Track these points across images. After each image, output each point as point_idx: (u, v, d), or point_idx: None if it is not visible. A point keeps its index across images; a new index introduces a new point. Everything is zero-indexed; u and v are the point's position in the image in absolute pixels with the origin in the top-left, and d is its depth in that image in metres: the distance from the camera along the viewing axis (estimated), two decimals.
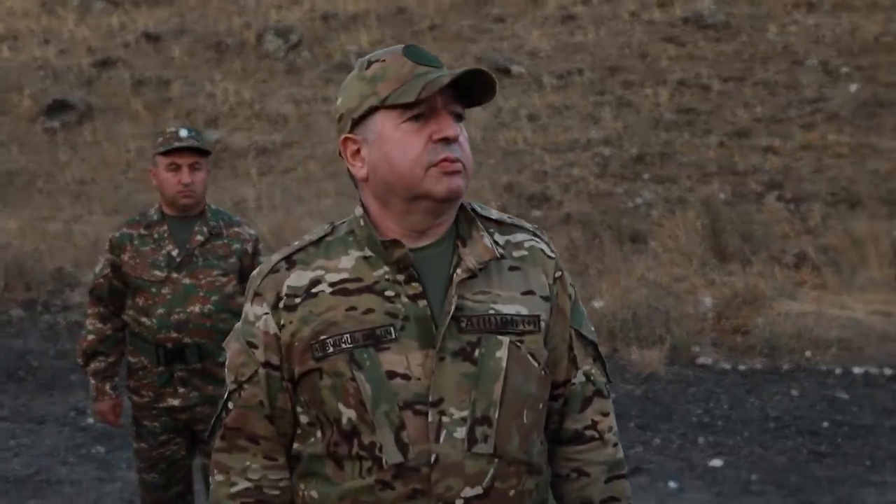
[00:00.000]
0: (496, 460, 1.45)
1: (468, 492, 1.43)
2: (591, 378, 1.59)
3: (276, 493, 1.53)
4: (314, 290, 1.47)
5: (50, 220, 9.99)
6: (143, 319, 3.15)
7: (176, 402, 3.18)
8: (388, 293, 1.46)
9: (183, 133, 3.18)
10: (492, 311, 1.47)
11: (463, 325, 1.45)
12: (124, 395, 3.31)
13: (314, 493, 1.49)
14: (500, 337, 1.46)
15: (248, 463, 1.52)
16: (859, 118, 10.68)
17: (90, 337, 3.24)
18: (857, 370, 6.59)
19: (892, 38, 11.85)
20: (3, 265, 7.95)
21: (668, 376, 6.39)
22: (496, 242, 1.53)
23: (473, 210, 1.55)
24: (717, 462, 5.01)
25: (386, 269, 1.47)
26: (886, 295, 7.73)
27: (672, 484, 4.74)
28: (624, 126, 10.80)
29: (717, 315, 7.23)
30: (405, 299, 1.45)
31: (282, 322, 1.48)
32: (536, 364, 1.50)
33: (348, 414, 1.44)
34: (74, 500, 4.41)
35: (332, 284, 1.47)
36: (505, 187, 10.06)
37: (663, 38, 12.38)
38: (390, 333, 1.43)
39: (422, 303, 1.45)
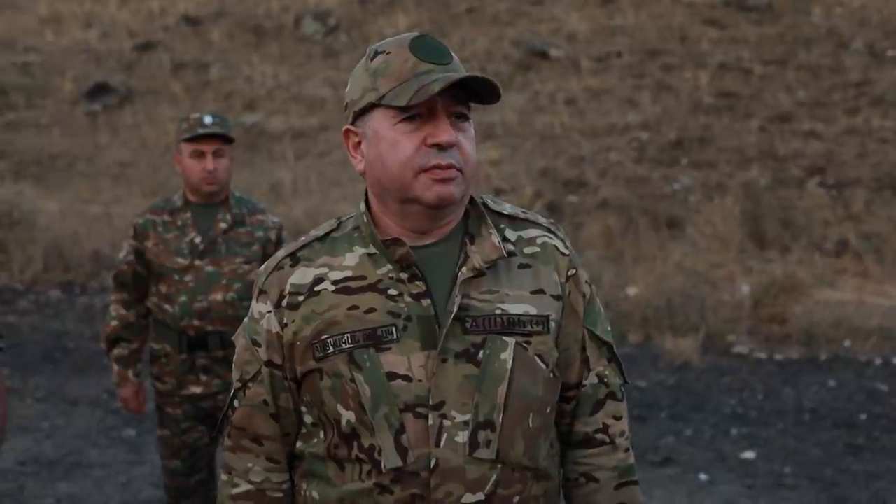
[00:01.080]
0: (499, 466, 1.41)
1: (469, 498, 1.39)
2: (605, 380, 1.53)
3: (279, 495, 1.51)
4: (317, 289, 1.44)
5: (90, 202, 10.10)
6: (166, 306, 3.16)
7: (198, 390, 3.18)
8: (392, 292, 1.42)
9: (207, 119, 3.17)
10: (498, 311, 1.42)
11: (468, 325, 1.41)
12: (147, 381, 3.33)
13: (315, 494, 1.47)
14: (505, 338, 1.42)
15: (250, 465, 1.50)
16: None
17: (113, 323, 3.25)
18: None
19: None
20: (42, 247, 8.04)
21: (701, 365, 6.31)
22: (507, 239, 1.48)
23: (485, 205, 1.50)
24: (749, 454, 4.94)
25: (389, 266, 1.43)
26: None
27: (702, 476, 4.68)
28: (662, 110, 10.66)
29: (754, 303, 7.12)
30: (408, 298, 1.41)
31: (284, 321, 1.45)
32: (544, 366, 1.45)
33: (347, 416, 1.41)
34: (104, 482, 4.45)
35: (334, 282, 1.44)
36: (541, 172, 9.99)
37: (704, 21, 12.18)
38: (392, 333, 1.40)
39: (425, 302, 1.41)
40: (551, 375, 1.46)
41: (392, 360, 1.40)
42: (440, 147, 1.40)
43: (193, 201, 3.22)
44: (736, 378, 6.13)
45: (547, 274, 1.47)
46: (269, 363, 1.47)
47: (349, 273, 1.44)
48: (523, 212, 1.53)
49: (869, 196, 9.18)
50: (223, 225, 3.20)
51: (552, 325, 1.45)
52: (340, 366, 1.41)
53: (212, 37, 13.57)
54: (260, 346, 1.48)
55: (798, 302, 7.04)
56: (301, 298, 1.44)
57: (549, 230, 1.51)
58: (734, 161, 9.92)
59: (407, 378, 1.39)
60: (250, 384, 1.49)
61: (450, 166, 1.40)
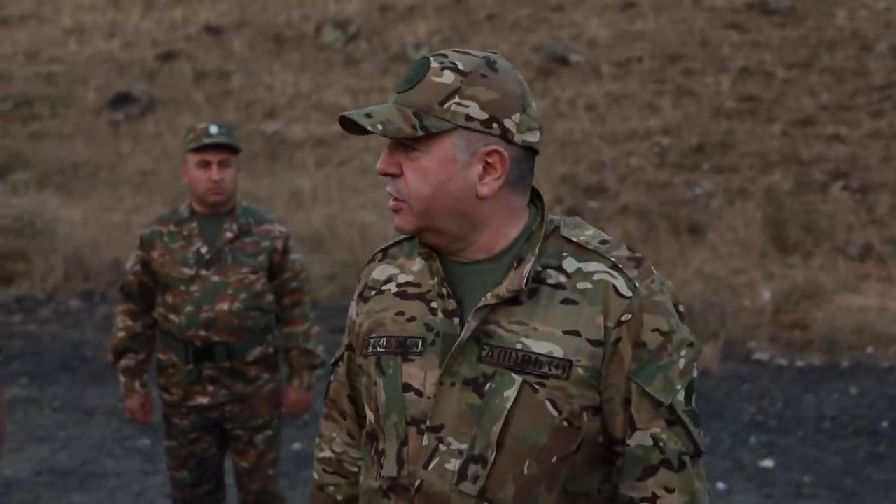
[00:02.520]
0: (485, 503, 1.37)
1: None
2: (660, 444, 1.37)
3: (355, 469, 1.60)
4: (384, 287, 1.48)
5: (112, 211, 10.17)
6: (172, 317, 3.16)
7: (205, 401, 3.18)
8: (434, 305, 1.41)
9: (213, 129, 3.17)
10: (519, 346, 1.35)
11: (484, 354, 1.36)
12: (154, 392, 3.33)
13: (361, 479, 1.53)
14: (514, 375, 1.35)
15: (335, 435, 1.61)
16: None
17: (120, 334, 3.25)
18: None
19: None
20: (63, 256, 8.10)
21: (721, 372, 6.24)
22: (562, 269, 1.38)
23: (557, 228, 1.42)
24: (768, 463, 4.87)
25: (437, 279, 1.41)
26: None
27: (720, 485, 4.62)
28: (684, 115, 10.59)
29: (775, 309, 7.04)
30: (441, 314, 1.40)
31: (358, 312, 1.52)
32: (556, 413, 1.35)
33: (370, 416, 1.46)
34: (118, 492, 4.46)
35: (398, 285, 1.46)
36: (561, 178, 9.95)
37: (726, 25, 12.10)
38: (418, 346, 1.40)
39: (455, 320, 1.39)
40: (565, 424, 1.36)
41: (411, 372, 1.40)
42: (386, 175, 1.40)
43: (200, 211, 3.21)
44: (756, 385, 6.06)
45: (590, 315, 1.36)
46: (349, 347, 1.55)
47: (411, 278, 1.45)
48: (602, 242, 1.41)
49: (893, 200, 9.06)
50: (229, 235, 3.19)
51: (577, 371, 1.35)
52: (371, 368, 1.45)
53: (233, 46, 13.64)
54: (347, 330, 1.57)
55: (820, 308, 6.95)
56: (373, 294, 1.49)
57: (614, 266, 1.38)
58: (756, 166, 9.83)
59: (419, 393, 1.39)
60: (340, 363, 1.59)
61: (392, 197, 1.40)
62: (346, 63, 13.01)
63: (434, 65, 1.36)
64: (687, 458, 1.38)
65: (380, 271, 1.50)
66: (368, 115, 1.36)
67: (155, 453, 4.85)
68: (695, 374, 1.42)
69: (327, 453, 1.61)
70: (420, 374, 1.39)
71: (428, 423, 1.38)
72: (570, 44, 12.23)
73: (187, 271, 3.16)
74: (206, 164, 3.14)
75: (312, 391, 3.36)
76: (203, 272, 3.15)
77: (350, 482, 1.60)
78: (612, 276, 1.38)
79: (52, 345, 6.79)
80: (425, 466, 1.38)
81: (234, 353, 3.16)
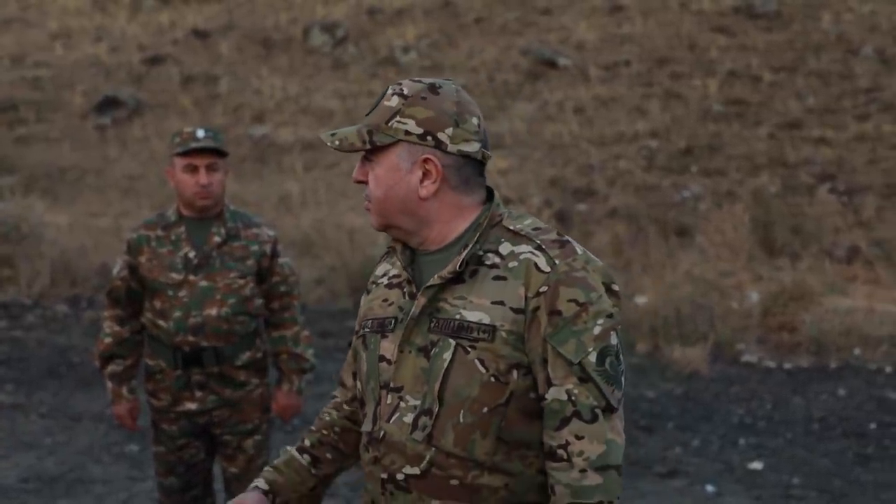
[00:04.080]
0: (433, 449, 1.63)
1: (408, 469, 1.64)
2: (573, 398, 1.61)
3: (347, 409, 1.86)
4: (380, 281, 1.77)
5: (99, 215, 10.13)
6: (160, 322, 3.14)
7: (193, 406, 3.16)
8: (405, 290, 1.70)
9: (200, 133, 3.16)
10: (458, 317, 1.63)
11: (432, 325, 1.65)
12: (142, 397, 3.31)
13: None
14: (451, 340, 1.63)
15: (338, 397, 1.90)
16: None
17: (107, 340, 3.23)
18: None
19: None
20: (49, 261, 8.05)
21: (710, 375, 6.26)
22: (498, 253, 1.65)
23: (500, 219, 1.68)
24: (757, 465, 4.88)
25: (406, 269, 1.71)
26: None
27: (709, 487, 4.63)
28: (671, 118, 10.61)
29: (763, 311, 7.06)
30: (407, 297, 1.69)
31: (362, 302, 1.80)
32: (484, 370, 1.61)
33: (358, 385, 1.76)
34: (105, 499, 4.43)
35: (389, 278, 1.75)
36: (550, 181, 9.96)
37: (713, 28, 12.13)
38: (391, 324, 1.69)
39: (415, 301, 1.67)
40: (492, 380, 1.61)
41: (385, 346, 1.69)
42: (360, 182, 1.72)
43: (187, 216, 3.20)
44: (744, 387, 6.07)
45: (513, 288, 1.63)
46: (355, 332, 1.80)
47: (396, 272, 1.74)
48: (535, 228, 1.68)
49: (880, 202, 9.10)
50: (217, 239, 3.18)
51: (500, 334, 1.61)
52: (359, 345, 1.75)
53: (221, 50, 13.61)
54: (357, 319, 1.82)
55: (808, 310, 6.97)
56: (373, 286, 1.78)
57: (538, 247, 1.64)
58: (744, 168, 9.86)
59: (389, 362, 1.68)
60: (350, 346, 1.84)
61: (365, 200, 1.72)
62: (335, 67, 12.99)
63: (388, 91, 1.69)
64: (599, 412, 1.60)
65: (381, 269, 1.79)
66: (333, 135, 1.70)
67: (142, 459, 4.83)
68: (613, 341, 1.63)
69: (336, 399, 1.89)
70: (390, 346, 1.68)
71: (392, 384, 1.67)
72: (557, 47, 12.25)
73: (175, 276, 3.14)
74: (193, 169, 3.13)
75: (302, 395, 3.34)
76: (191, 277, 3.14)
77: (340, 414, 1.87)
78: (535, 255, 1.64)
79: (38, 350, 6.75)
80: (388, 420, 1.66)
81: (223, 358, 3.15)
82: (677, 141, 10.24)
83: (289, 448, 1.87)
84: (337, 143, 1.68)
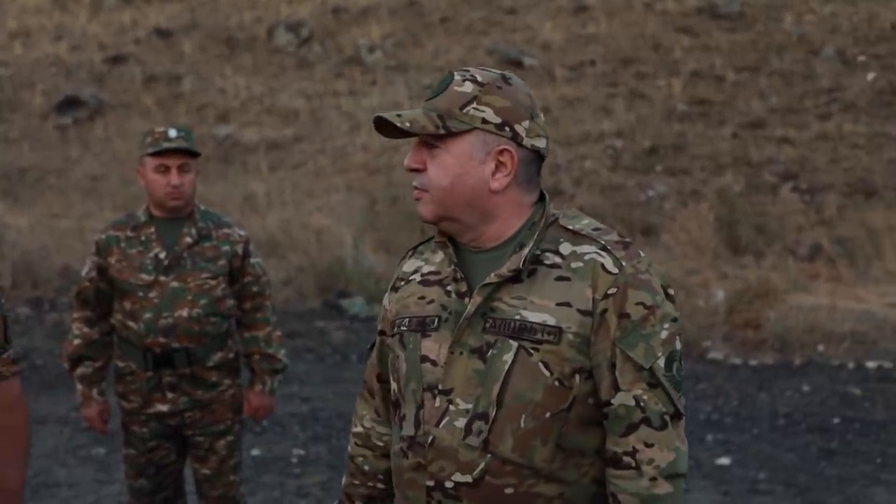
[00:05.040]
0: (488, 455, 1.55)
1: (458, 477, 1.56)
2: (642, 404, 1.54)
3: (381, 444, 1.78)
4: (411, 277, 1.69)
5: (61, 216, 10.00)
6: (131, 324, 3.11)
7: (164, 408, 3.13)
8: (449, 288, 1.62)
9: (172, 133, 3.12)
10: (517, 317, 1.55)
11: (487, 325, 1.57)
12: (112, 399, 3.27)
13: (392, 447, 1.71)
14: (511, 341, 1.55)
15: (364, 412, 1.80)
16: (876, 107, 10.52)
17: (76, 342, 3.19)
18: (870, 364, 6.49)
19: None
20: (10, 263, 7.94)
21: None
22: (559, 253, 1.58)
23: (556, 220, 1.62)
24: (724, 460, 4.93)
25: (453, 267, 1.62)
26: None
27: None
28: (636, 118, 10.69)
29: (728, 309, 7.14)
30: (454, 295, 1.61)
31: (389, 301, 1.72)
32: (549, 374, 1.54)
33: (394, 386, 1.67)
34: (71, 502, 4.38)
35: (422, 274, 1.67)
36: None
37: (677, 29, 12.24)
38: (434, 323, 1.61)
39: (466, 300, 1.59)
40: (556, 384, 1.55)
41: (428, 346, 1.61)
42: (413, 170, 1.61)
43: (158, 216, 3.17)
44: (711, 384, 6.13)
45: (580, 289, 1.55)
46: (381, 332, 1.74)
47: (433, 268, 1.66)
48: (595, 228, 1.61)
49: (841, 201, 9.24)
50: (189, 240, 3.15)
51: (567, 337, 1.54)
52: (395, 344, 1.66)
53: (183, 49, 13.49)
54: (380, 318, 1.75)
55: (772, 307, 7.06)
56: (402, 284, 1.70)
57: (603, 248, 1.57)
58: (708, 168, 9.96)
59: (434, 363, 1.59)
60: (373, 348, 1.78)
61: (415, 188, 1.61)
62: (299, 66, 12.93)
63: (457, 77, 1.60)
64: (668, 418, 1.54)
65: (409, 265, 1.71)
66: (399, 116, 1.58)
67: (109, 462, 4.78)
68: (678, 346, 1.58)
69: (359, 428, 1.80)
70: (435, 346, 1.59)
71: (440, 387, 1.58)
72: (523, 47, 12.29)
73: (146, 277, 3.11)
74: (164, 169, 3.10)
75: (275, 396, 3.33)
76: (162, 278, 3.11)
77: (375, 454, 1.79)
78: (600, 255, 1.57)
79: None
80: (437, 424, 1.57)
81: (195, 359, 3.12)
82: (642, 140, 10.32)
83: None
84: (407, 124, 1.57)
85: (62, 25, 14.52)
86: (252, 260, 3.25)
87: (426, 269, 1.67)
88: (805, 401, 5.83)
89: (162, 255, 3.12)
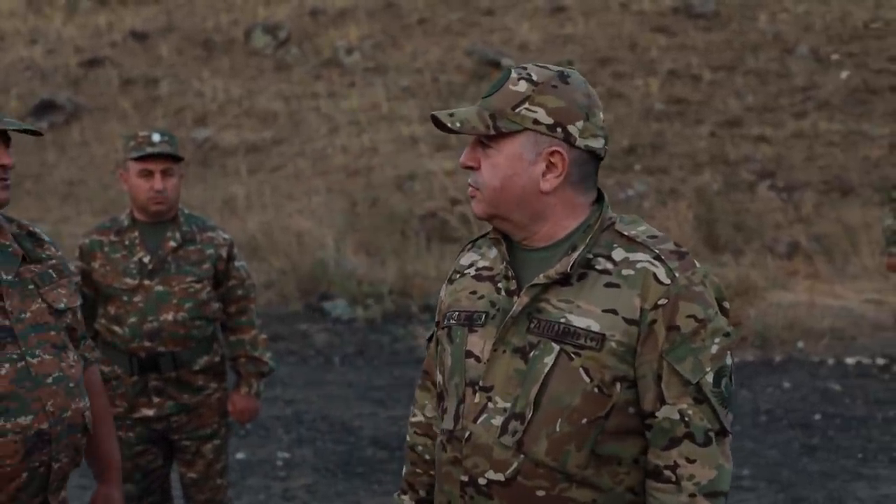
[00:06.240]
0: (521, 456, 1.54)
1: (492, 475, 1.56)
2: (686, 419, 1.51)
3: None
4: (466, 271, 1.69)
5: (38, 221, 9.93)
6: (115, 328, 3.09)
7: (151, 413, 3.12)
8: (499, 285, 1.62)
9: (156, 138, 3.11)
10: (562, 320, 1.54)
11: (532, 325, 1.56)
12: None
13: None
14: (553, 344, 1.54)
15: (426, 402, 1.81)
16: (850, 105, 10.63)
17: None
18: (849, 360, 6.55)
19: (882, 24, 11.79)
20: None
21: None
22: (611, 258, 1.56)
23: (612, 223, 1.60)
24: None
25: (506, 264, 1.62)
26: (879, 283, 7.68)
27: None
28: (614, 117, 10.74)
29: None
30: (503, 293, 1.60)
31: (445, 292, 1.72)
32: (588, 380, 1.53)
33: (439, 379, 1.68)
34: None
35: (477, 269, 1.67)
36: None
37: (653, 29, 12.31)
38: (481, 319, 1.60)
39: (514, 298, 1.58)
40: (595, 390, 1.53)
41: (473, 341, 1.61)
42: (468, 167, 1.62)
43: (141, 220, 3.16)
44: None
45: (628, 297, 1.53)
46: (437, 324, 1.74)
47: (487, 263, 1.66)
48: (651, 236, 1.58)
49: (818, 198, 9.33)
50: (173, 244, 3.14)
51: (610, 344, 1.52)
52: (443, 337, 1.68)
53: (160, 52, 13.43)
54: (437, 310, 1.75)
55: (752, 304, 7.11)
56: (457, 276, 1.70)
57: (657, 257, 1.54)
58: (686, 166, 10.03)
59: (478, 359, 1.59)
60: (431, 339, 1.78)
61: (469, 186, 1.62)
62: (277, 68, 12.90)
63: (513, 75, 1.58)
64: (713, 435, 1.52)
65: (466, 258, 1.71)
66: (451, 115, 1.58)
67: None
68: (728, 361, 1.55)
69: (419, 418, 1.80)
70: (480, 342, 1.59)
71: (481, 383, 1.58)
72: (501, 48, 12.32)
73: (130, 281, 3.10)
74: (148, 174, 3.09)
75: (260, 398, 3.32)
76: (146, 282, 3.09)
77: (420, 475, 1.80)
78: (653, 264, 1.54)
79: None
80: (475, 420, 1.57)
81: (181, 363, 3.11)
82: (620, 140, 10.38)
83: (403, 497, 1.80)
84: (458, 124, 1.56)
85: (37, 29, 14.42)
86: (236, 263, 3.25)
87: (481, 263, 1.67)
88: (786, 397, 5.88)
89: (146, 259, 3.11)
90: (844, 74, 11.06)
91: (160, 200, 3.10)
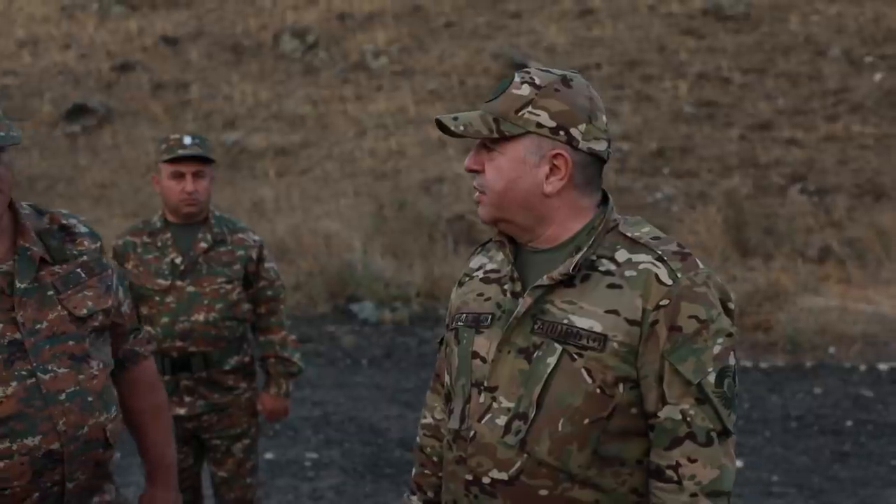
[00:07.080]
0: (524, 455, 1.56)
1: (495, 473, 1.58)
2: (688, 419, 1.53)
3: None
4: (475, 274, 1.72)
5: None
6: (148, 328, 3.13)
7: (182, 412, 3.15)
8: (506, 287, 1.64)
9: (187, 140, 3.15)
10: (565, 321, 1.56)
11: (536, 326, 1.58)
12: None
13: None
14: (556, 345, 1.56)
15: (435, 404, 1.83)
16: (884, 108, 10.52)
17: None
18: (882, 366, 6.48)
19: None
20: None
21: None
22: (614, 260, 1.57)
23: (616, 225, 1.60)
24: (737, 463, 4.92)
25: (511, 266, 1.64)
26: None
27: None
28: (643, 121, 10.70)
29: (738, 311, 7.13)
30: (509, 295, 1.62)
31: (455, 295, 1.75)
32: (590, 380, 1.54)
33: (447, 379, 1.72)
34: None
35: (485, 272, 1.70)
36: None
37: (682, 31, 12.25)
38: (487, 320, 1.63)
39: (519, 300, 1.60)
40: (598, 391, 1.54)
41: (479, 342, 1.63)
42: (472, 171, 1.64)
43: (173, 222, 3.19)
44: None
45: (630, 298, 1.54)
46: (447, 326, 1.76)
47: (495, 266, 1.69)
48: (654, 237, 1.59)
49: (850, 202, 9.23)
50: (204, 245, 3.17)
51: (612, 345, 1.53)
52: (451, 338, 1.71)
53: (190, 56, 13.54)
54: (448, 312, 1.77)
55: (782, 309, 7.05)
56: (467, 279, 1.73)
57: (660, 258, 1.55)
58: (715, 170, 9.96)
59: (483, 360, 1.62)
60: (442, 342, 1.79)
61: (475, 189, 1.63)
62: (306, 72, 12.97)
63: (517, 79, 1.60)
64: (714, 435, 1.53)
65: (475, 261, 1.74)
66: (455, 119, 1.61)
67: (124, 466, 4.79)
68: (731, 361, 1.55)
69: (428, 419, 1.83)
70: (486, 343, 1.62)
71: (486, 383, 1.60)
72: (528, 51, 12.31)
73: (162, 282, 3.13)
74: (179, 176, 3.12)
75: (290, 399, 3.34)
76: (178, 283, 3.13)
77: (429, 476, 1.82)
78: (655, 265, 1.55)
79: None
80: (479, 420, 1.60)
81: (212, 363, 3.14)
82: (649, 143, 10.33)
83: (412, 498, 1.82)
84: (461, 128, 1.58)
85: (70, 34, 14.58)
86: (266, 265, 3.27)
87: (489, 266, 1.69)
88: (817, 403, 5.83)
89: (178, 261, 3.14)
90: (878, 77, 10.94)
91: (192, 202, 3.13)
